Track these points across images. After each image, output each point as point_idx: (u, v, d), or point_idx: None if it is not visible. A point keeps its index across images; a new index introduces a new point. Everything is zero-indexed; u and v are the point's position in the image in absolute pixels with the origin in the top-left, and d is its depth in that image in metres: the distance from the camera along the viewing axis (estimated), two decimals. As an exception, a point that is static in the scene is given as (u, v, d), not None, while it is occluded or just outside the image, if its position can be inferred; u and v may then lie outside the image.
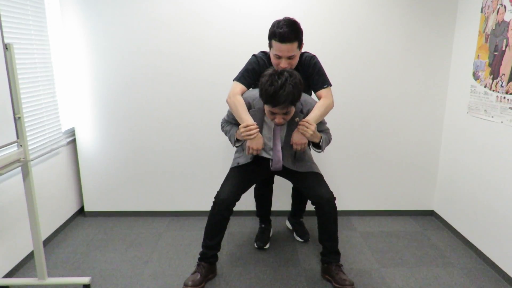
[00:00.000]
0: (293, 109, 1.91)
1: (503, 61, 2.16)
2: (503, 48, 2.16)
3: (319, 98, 2.10)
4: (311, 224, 2.83)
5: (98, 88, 2.76)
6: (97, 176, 2.92)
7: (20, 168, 2.15)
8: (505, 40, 2.15)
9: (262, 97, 1.83)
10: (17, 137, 1.78)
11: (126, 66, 2.73)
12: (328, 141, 2.13)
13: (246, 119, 1.94)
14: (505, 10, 2.15)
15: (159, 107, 2.80)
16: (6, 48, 1.68)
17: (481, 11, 2.39)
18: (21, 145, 1.81)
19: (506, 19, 2.14)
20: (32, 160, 2.30)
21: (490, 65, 2.29)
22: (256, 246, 2.48)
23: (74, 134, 2.89)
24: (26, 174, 1.86)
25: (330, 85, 2.11)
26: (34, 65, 2.34)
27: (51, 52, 2.53)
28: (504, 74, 2.15)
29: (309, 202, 2.72)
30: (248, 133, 1.91)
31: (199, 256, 2.15)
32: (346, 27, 2.68)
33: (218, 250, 2.14)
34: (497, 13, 2.23)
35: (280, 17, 1.95)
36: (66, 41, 2.68)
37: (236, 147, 2.13)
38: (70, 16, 2.64)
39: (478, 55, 2.42)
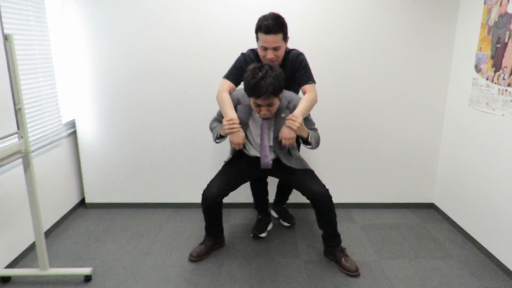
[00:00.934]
0: (276, 102, 1.98)
1: (506, 54, 2.14)
2: (506, 41, 2.15)
3: (304, 92, 2.17)
4: (310, 216, 2.84)
5: (98, 80, 2.75)
6: (98, 168, 2.92)
7: (21, 159, 2.16)
8: (508, 32, 2.13)
9: (246, 90, 1.93)
10: (18, 129, 1.78)
11: (126, 58, 2.71)
12: (317, 139, 2.15)
13: (230, 114, 2.04)
14: (508, 1, 2.13)
15: (160, 99, 2.80)
16: (6, 39, 1.67)
17: (484, 3, 2.37)
18: (21, 137, 1.81)
19: (509, 11, 2.12)
20: (32, 151, 2.30)
21: (492, 57, 2.28)
22: (251, 235, 2.51)
23: (74, 126, 2.88)
24: (27, 166, 1.86)
25: (314, 82, 2.18)
26: (34, 56, 2.33)
27: (51, 43, 2.52)
28: (506, 67, 2.14)
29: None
30: (230, 126, 2.00)
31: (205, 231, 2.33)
32: (346, 21, 2.66)
33: (221, 225, 2.33)
34: (500, 5, 2.21)
35: (281, 11, 2.04)
36: (66, 32, 2.67)
37: (217, 142, 2.20)
38: (70, 7, 2.62)
39: (480, 48, 2.41)
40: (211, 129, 2.25)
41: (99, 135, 2.85)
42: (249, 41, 2.65)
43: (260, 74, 1.86)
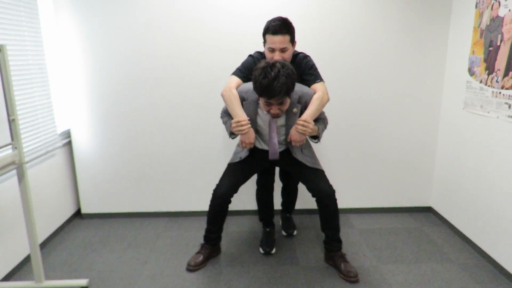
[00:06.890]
0: (288, 100, 1.94)
1: (498, 56, 2.16)
2: (498, 43, 2.17)
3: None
4: (313, 222, 2.83)
5: (93, 89, 2.74)
6: (94, 178, 2.90)
7: (15, 170, 2.14)
8: (499, 35, 2.15)
9: (257, 90, 1.84)
10: (12, 139, 1.76)
11: (121, 67, 2.71)
12: (324, 126, 2.15)
13: (239, 114, 1.99)
14: (500, 5, 2.16)
15: (155, 107, 2.79)
16: (-1, 50, 1.66)
17: (476, 7, 2.39)
18: (15, 147, 1.79)
19: (501, 14, 2.15)
20: (27, 162, 2.28)
21: (485, 60, 2.29)
22: (262, 252, 2.42)
23: (69, 136, 2.87)
24: (21, 177, 1.84)
25: (323, 80, 2.15)
26: (28, 66, 2.32)
27: (45, 53, 2.51)
28: (499, 69, 2.16)
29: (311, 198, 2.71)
30: (240, 128, 1.95)
31: (203, 238, 2.33)
32: (342, 25, 2.68)
33: (221, 232, 2.32)
34: (492, 9, 2.23)
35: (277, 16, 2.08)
36: (60, 42, 2.66)
37: (232, 138, 2.16)
38: (64, 16, 2.62)
39: (473, 51, 2.43)
40: (223, 122, 2.21)
41: (95, 144, 2.84)
42: (246, 45, 2.67)
43: (272, 73, 1.75)
